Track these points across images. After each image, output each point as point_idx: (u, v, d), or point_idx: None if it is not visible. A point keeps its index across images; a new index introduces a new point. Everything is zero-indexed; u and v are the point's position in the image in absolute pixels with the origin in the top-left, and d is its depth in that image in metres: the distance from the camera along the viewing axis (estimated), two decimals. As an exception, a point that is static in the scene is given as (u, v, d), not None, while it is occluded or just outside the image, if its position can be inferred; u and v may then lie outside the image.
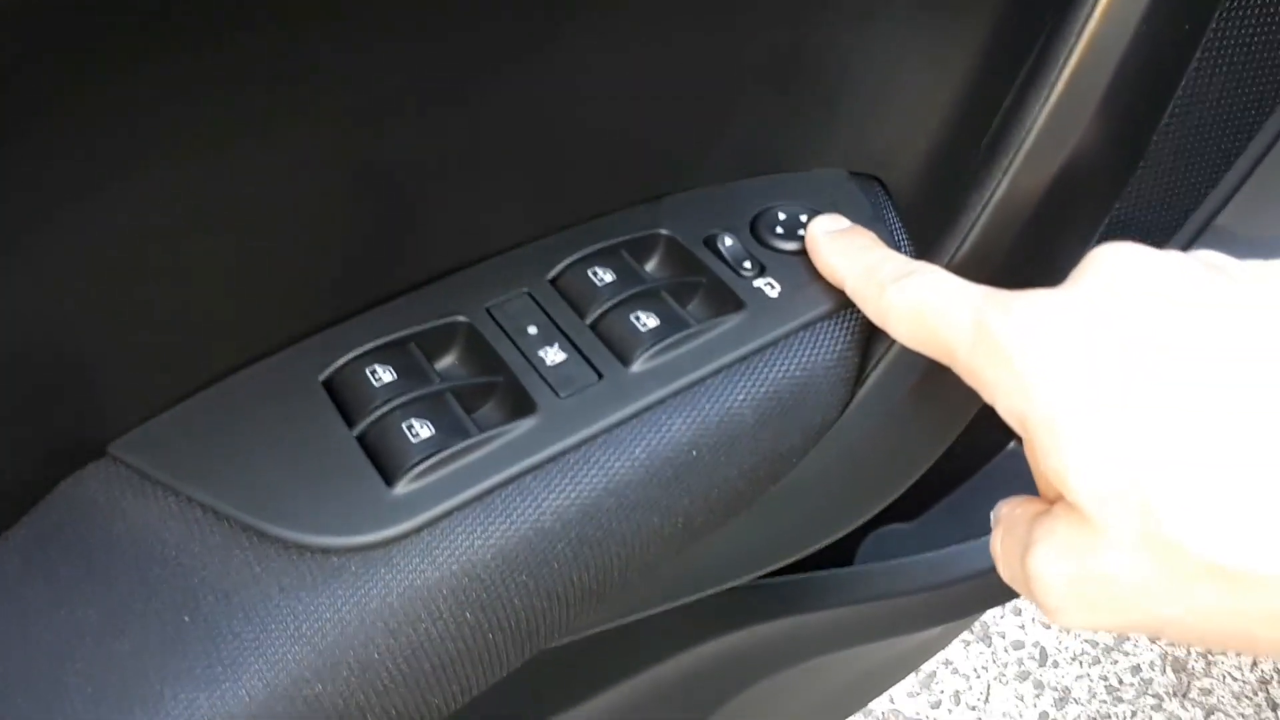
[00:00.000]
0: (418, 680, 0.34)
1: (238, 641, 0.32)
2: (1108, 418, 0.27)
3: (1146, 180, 0.58)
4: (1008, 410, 0.30)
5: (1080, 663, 1.47)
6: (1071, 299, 0.30)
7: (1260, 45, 0.53)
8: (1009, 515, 0.33)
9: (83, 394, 0.34)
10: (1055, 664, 1.47)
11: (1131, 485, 0.26)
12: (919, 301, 0.34)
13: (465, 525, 0.34)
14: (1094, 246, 0.31)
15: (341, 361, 0.37)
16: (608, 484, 0.35)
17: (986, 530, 0.72)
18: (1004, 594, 0.62)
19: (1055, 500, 0.31)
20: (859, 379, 0.41)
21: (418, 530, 0.33)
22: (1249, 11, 0.50)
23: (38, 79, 0.25)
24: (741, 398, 0.38)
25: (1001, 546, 0.33)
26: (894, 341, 0.40)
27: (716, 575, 0.45)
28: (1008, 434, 0.79)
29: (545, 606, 0.36)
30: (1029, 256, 0.38)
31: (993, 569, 0.60)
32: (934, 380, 0.42)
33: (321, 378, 0.37)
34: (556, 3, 0.34)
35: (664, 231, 0.43)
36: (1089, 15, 0.33)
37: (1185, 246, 0.67)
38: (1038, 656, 1.48)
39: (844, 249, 0.39)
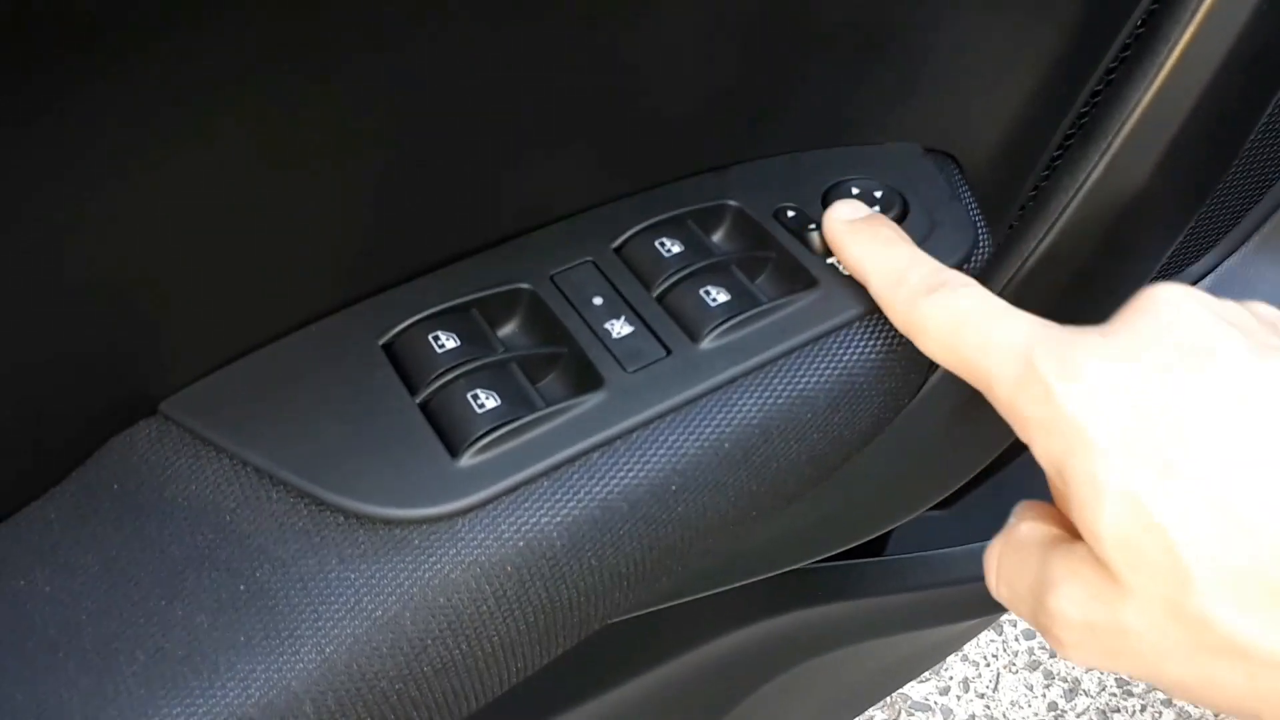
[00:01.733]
0: (477, 659, 0.33)
1: (295, 613, 0.30)
2: (1151, 484, 0.26)
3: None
4: (1045, 454, 0.29)
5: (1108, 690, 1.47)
6: (1128, 349, 0.28)
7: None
8: (1022, 536, 0.31)
9: (135, 347, 0.33)
10: (1086, 691, 1.46)
11: (1165, 553, 0.26)
12: (958, 323, 0.32)
13: (531, 501, 0.32)
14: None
15: (403, 325, 0.36)
16: (676, 464, 0.34)
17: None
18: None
19: (1072, 528, 0.30)
20: (932, 365, 0.39)
21: (483, 504, 0.32)
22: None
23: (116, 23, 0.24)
24: (814, 380, 0.37)
25: (1006, 565, 0.32)
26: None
27: (771, 560, 0.44)
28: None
29: (608, 586, 0.35)
30: (1119, 245, 0.36)
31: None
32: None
33: (382, 341, 0.35)
34: None
35: (732, 202, 0.41)
36: (1180, 35, 0.31)
37: (1242, 242, 0.66)
38: (1048, 646, 1.47)
39: (866, 243, 0.37)
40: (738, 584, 0.45)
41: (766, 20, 0.37)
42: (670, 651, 0.49)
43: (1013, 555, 0.31)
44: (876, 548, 0.62)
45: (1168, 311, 0.29)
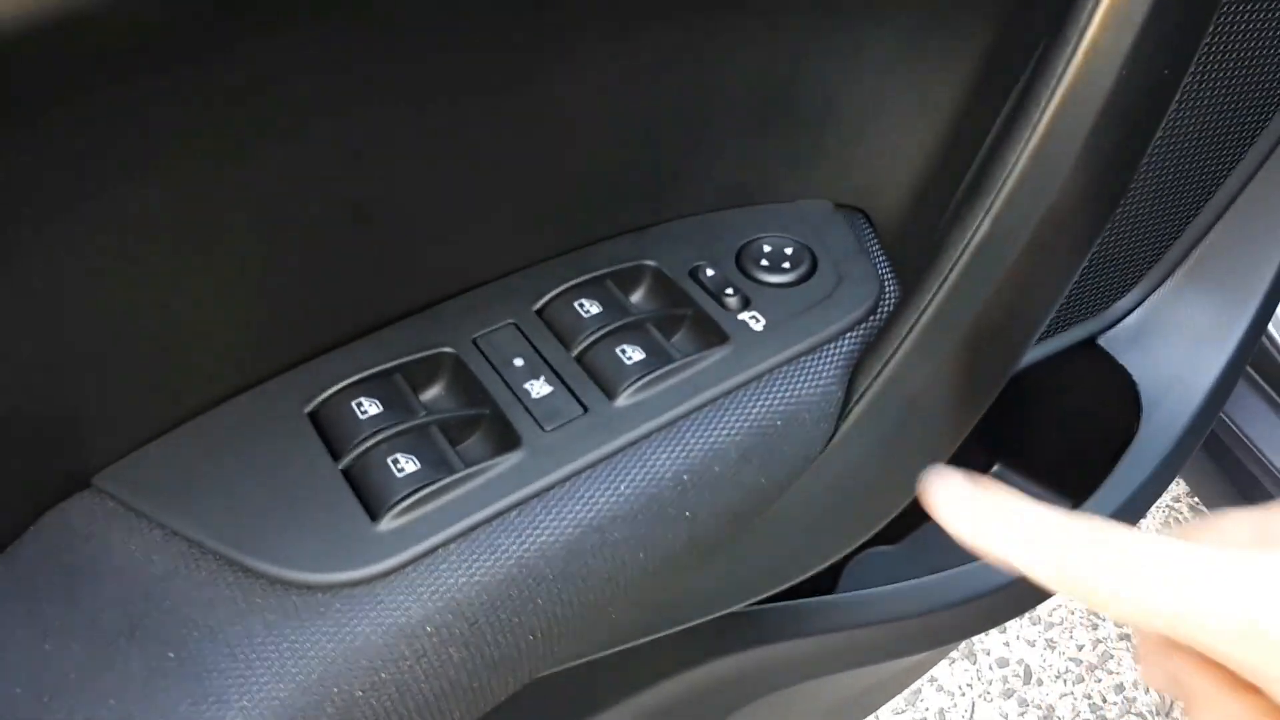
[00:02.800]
0: (403, 718, 0.34)
1: (223, 679, 0.31)
2: None
3: (1128, 212, 0.59)
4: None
5: (1064, 681, 1.48)
6: None
7: (1237, 85, 0.54)
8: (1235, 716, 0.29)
9: (67, 424, 0.34)
10: (1039, 682, 1.47)
11: None
12: (1144, 586, 0.28)
13: (450, 562, 0.34)
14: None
15: (327, 393, 0.37)
16: (592, 520, 0.36)
17: (966, 555, 0.73)
18: (989, 621, 0.62)
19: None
20: (843, 413, 0.41)
21: (402, 567, 0.33)
22: (1226, 54, 0.51)
23: (30, 111, 0.25)
24: (726, 433, 0.38)
25: (1170, 677, 0.30)
26: (878, 375, 0.40)
27: (704, 605, 0.45)
28: (988, 459, 0.80)
29: (530, 642, 0.36)
30: (1010, 295, 0.38)
31: (979, 597, 0.60)
32: (918, 414, 0.42)
33: (307, 409, 0.37)
34: (544, 40, 0.34)
35: (650, 263, 0.43)
36: (1070, 59, 0.33)
37: (1166, 276, 0.68)
38: (1022, 674, 1.48)
39: (999, 530, 0.31)
40: (677, 629, 0.46)
41: (676, 88, 0.39)
42: (612, 698, 0.50)
43: (1183, 680, 0.29)
44: (827, 584, 0.63)
45: None
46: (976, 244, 0.37)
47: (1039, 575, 0.30)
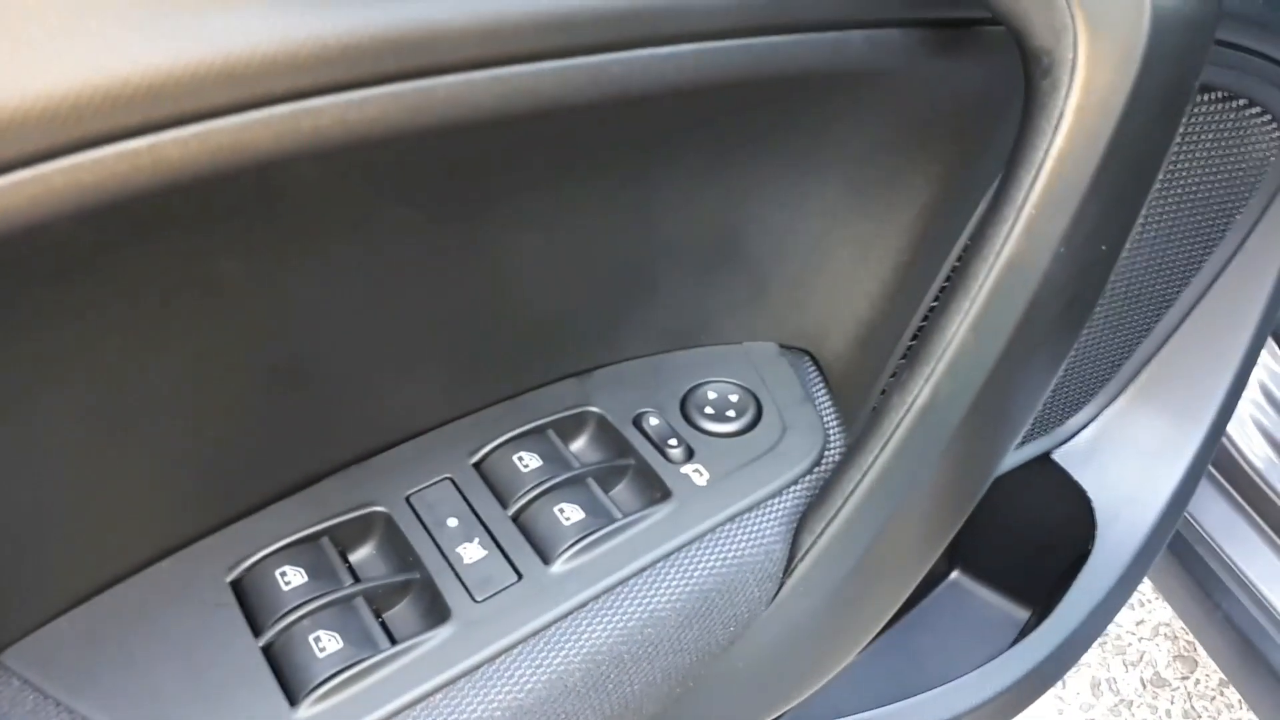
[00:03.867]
0: None
1: None
2: None
3: (1082, 333, 0.59)
4: None
5: None
6: None
7: (1182, 218, 0.54)
8: None
9: None
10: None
11: None
12: None
13: (370, 751, 0.32)
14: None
15: (251, 560, 0.36)
16: (521, 700, 0.34)
17: (928, 661, 0.71)
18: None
19: None
20: (788, 570, 0.40)
21: None
22: (1169, 193, 0.51)
23: None
24: (667, 598, 0.37)
25: None
26: (822, 533, 0.40)
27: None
28: (947, 566, 0.79)
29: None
30: (953, 457, 0.38)
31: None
32: (865, 567, 0.41)
33: (229, 579, 0.35)
34: (483, 195, 0.34)
35: (593, 409, 0.42)
36: (1008, 238, 0.33)
37: (1119, 393, 0.68)
38: None
39: None
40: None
41: (620, 235, 0.39)
42: None
43: None
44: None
45: None
46: (918, 408, 0.36)
47: None
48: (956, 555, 0.78)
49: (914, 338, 0.46)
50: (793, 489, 0.41)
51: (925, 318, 0.46)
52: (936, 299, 0.45)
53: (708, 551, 0.39)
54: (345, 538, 0.37)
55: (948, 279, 0.45)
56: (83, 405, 0.30)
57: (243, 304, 0.31)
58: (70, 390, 0.30)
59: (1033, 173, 0.32)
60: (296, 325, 0.33)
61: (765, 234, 0.42)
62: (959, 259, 0.42)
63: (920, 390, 0.36)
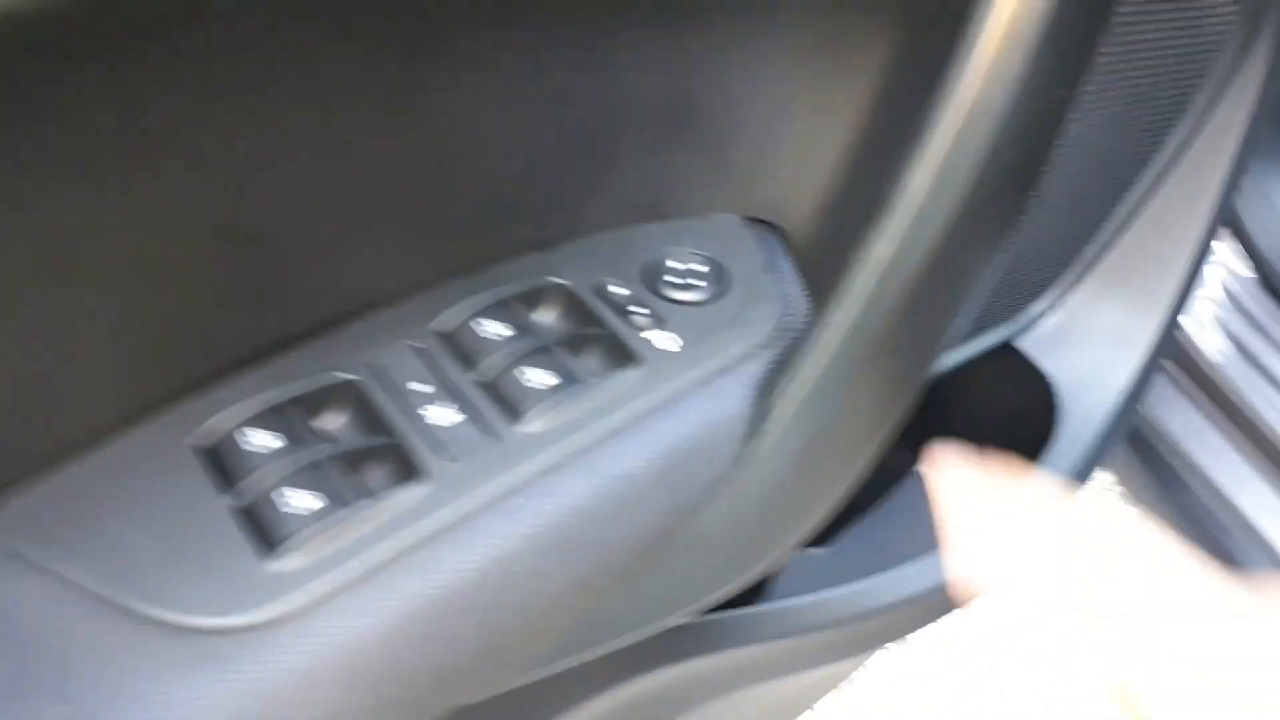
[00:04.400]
0: (302, 765, 0.33)
1: (111, 734, 0.30)
2: None
3: (1038, 218, 0.60)
4: None
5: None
6: None
7: (1139, 93, 0.55)
8: None
9: None
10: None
11: None
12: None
13: (350, 603, 0.33)
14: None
15: (217, 426, 0.36)
16: (500, 555, 0.35)
17: (898, 553, 0.73)
18: (918, 623, 0.63)
19: None
20: (755, 431, 0.41)
21: (299, 609, 0.32)
22: (1127, 63, 0.52)
23: None
24: (638, 457, 0.38)
25: None
26: (789, 393, 0.40)
27: (622, 627, 0.45)
28: (912, 458, 0.81)
29: (440, 680, 0.35)
30: (916, 312, 0.38)
31: (907, 601, 0.61)
32: (831, 429, 0.42)
33: (195, 443, 0.35)
34: (434, 47, 0.33)
35: (556, 281, 0.42)
36: (963, 81, 0.33)
37: (1079, 279, 0.69)
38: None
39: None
40: (597, 651, 0.45)
41: (578, 100, 0.39)
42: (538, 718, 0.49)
43: None
44: (754, 591, 0.63)
45: None
46: (881, 264, 0.37)
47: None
48: (921, 447, 0.79)
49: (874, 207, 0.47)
50: (761, 353, 0.41)
51: (883, 188, 0.46)
52: (893, 167, 0.45)
53: (678, 414, 0.39)
54: (312, 405, 0.37)
55: (906, 141, 0.45)
56: (25, 263, 0.30)
57: (184, 154, 0.31)
58: (29, 242, 0.29)
59: (991, 11, 0.33)
60: (243, 182, 0.33)
61: (724, 100, 0.42)
62: (917, 112, 0.42)
63: (880, 245, 0.36)
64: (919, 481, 0.82)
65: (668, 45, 0.38)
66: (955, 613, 0.67)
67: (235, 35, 0.28)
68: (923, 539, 0.77)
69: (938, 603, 0.63)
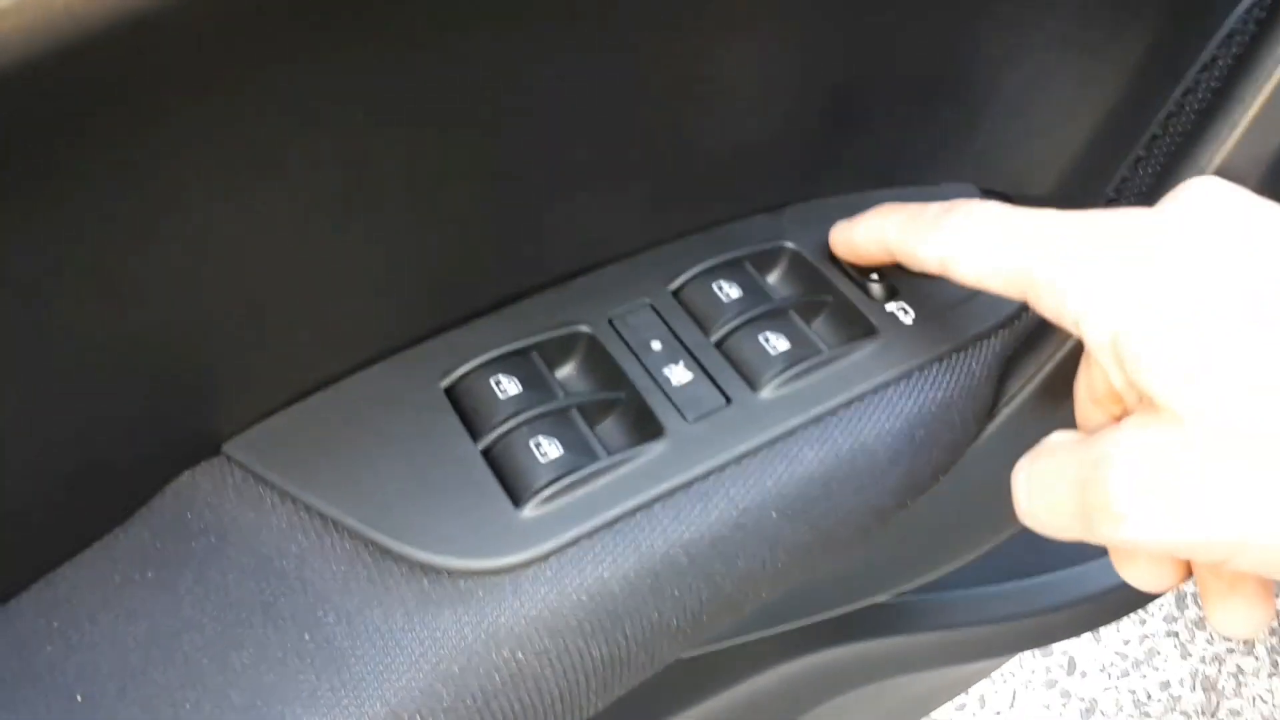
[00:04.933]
0: (538, 710, 0.33)
1: (360, 665, 0.30)
2: (1214, 341, 0.27)
3: None
4: (1096, 342, 0.29)
5: (1109, 674, 1.46)
6: (1176, 228, 0.29)
7: None
8: (1054, 441, 0.31)
9: (199, 387, 0.33)
10: (1083, 674, 1.46)
11: (1220, 373, 0.27)
12: (984, 237, 0.32)
13: (594, 554, 0.32)
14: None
15: (465, 369, 0.36)
16: (737, 517, 0.34)
17: (1059, 551, 0.70)
18: (1085, 625, 0.61)
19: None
20: (991, 412, 0.39)
21: (545, 557, 0.32)
22: None
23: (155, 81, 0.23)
24: (874, 431, 0.36)
25: (1039, 475, 0.31)
26: (1033, 377, 0.38)
27: (836, 600, 0.44)
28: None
29: (666, 637, 0.35)
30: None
31: (1073, 604, 0.59)
32: (1067, 418, 0.40)
33: (444, 384, 0.35)
34: (688, 8, 0.32)
35: (789, 244, 0.41)
36: (1274, 71, 0.31)
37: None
38: (1066, 665, 1.46)
39: (871, 219, 0.38)
40: (791, 625, 0.45)
41: (832, 61, 0.37)
42: (718, 685, 0.48)
43: (1047, 460, 0.31)
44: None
45: (1199, 203, 0.30)
46: None
47: (900, 236, 0.36)
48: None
49: (1116, 191, 0.44)
50: (1001, 332, 0.39)
51: (1132, 168, 0.43)
52: (1147, 149, 0.43)
53: (916, 388, 0.38)
54: (551, 354, 0.37)
55: (1162, 127, 0.42)
56: (306, 203, 0.30)
57: (473, 93, 0.30)
58: (298, 172, 0.29)
59: None
60: (512, 129, 0.32)
61: (983, 63, 0.40)
62: (1198, 96, 0.39)
63: None
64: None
65: (934, 6, 0.37)
66: (1124, 617, 0.65)
67: None
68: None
69: (1111, 605, 0.60)
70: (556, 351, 0.37)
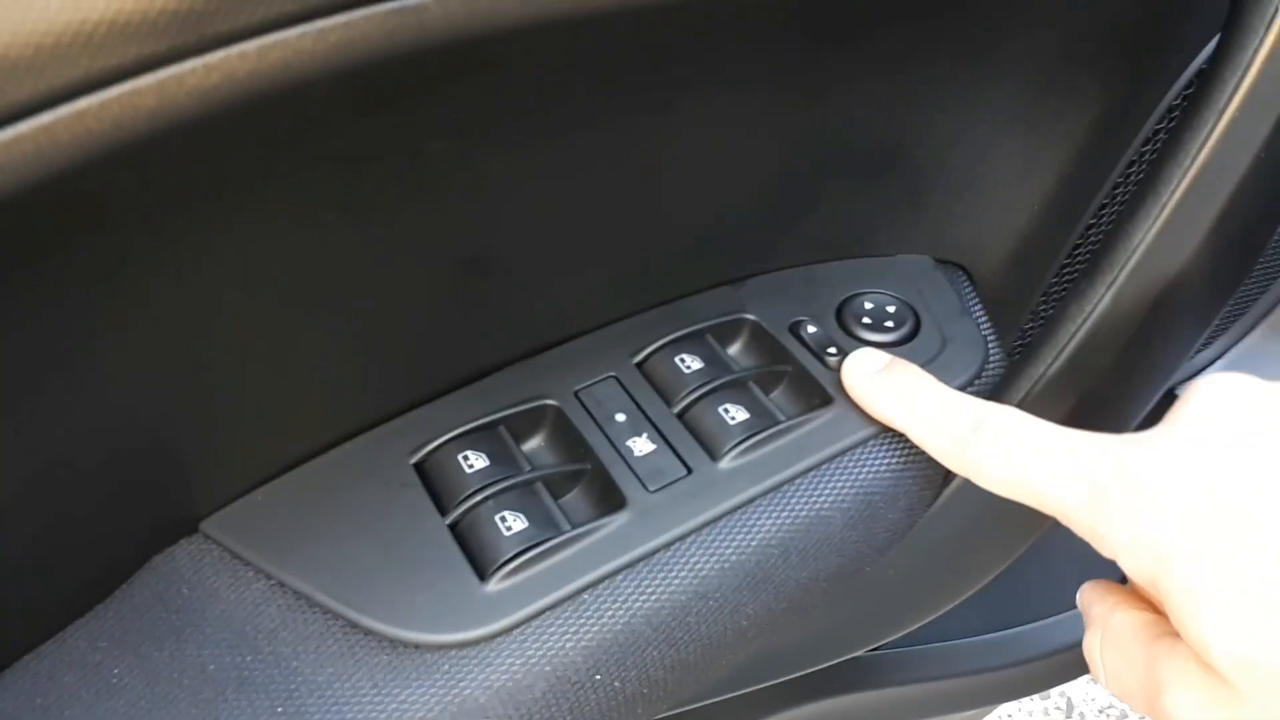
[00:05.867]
0: (504, 780, 0.33)
1: (331, 737, 0.31)
2: (1246, 589, 0.27)
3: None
4: (1134, 571, 0.29)
5: (1107, 715, 1.46)
6: (1191, 453, 0.29)
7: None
8: (1119, 630, 0.31)
9: (177, 468, 0.34)
10: (1082, 715, 1.45)
11: (1274, 655, 0.26)
12: (1014, 458, 0.32)
13: (557, 626, 0.33)
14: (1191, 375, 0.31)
15: (433, 444, 0.37)
16: (698, 586, 0.35)
17: (1044, 601, 0.71)
18: (1064, 677, 0.61)
19: (1163, 614, 0.30)
20: (946, 476, 0.40)
21: (509, 629, 0.33)
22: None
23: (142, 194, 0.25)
24: (831, 499, 0.38)
25: (1111, 662, 0.32)
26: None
27: (802, 660, 0.45)
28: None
29: (629, 704, 0.36)
30: (1126, 368, 0.37)
31: (1055, 654, 0.59)
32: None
33: (413, 460, 0.37)
34: (659, 96, 0.34)
35: (749, 316, 0.42)
36: (1205, 141, 0.33)
37: (1249, 330, 0.67)
38: (1064, 707, 1.46)
39: (893, 397, 0.38)
40: (760, 685, 0.45)
41: (788, 140, 0.39)
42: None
43: (1115, 652, 0.31)
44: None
45: (1220, 403, 0.30)
46: (1096, 317, 0.36)
47: (931, 448, 0.36)
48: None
49: (1070, 256, 0.46)
50: (953, 399, 0.41)
51: (1084, 235, 0.45)
52: (1096, 216, 0.45)
53: (872, 455, 0.39)
54: (519, 427, 0.38)
55: (1109, 195, 0.44)
56: (282, 292, 0.31)
57: (443, 186, 0.32)
58: (275, 266, 0.31)
59: (1238, 73, 0.32)
60: (487, 215, 0.34)
61: (930, 141, 0.41)
62: (1140, 168, 0.41)
63: (1102, 297, 0.36)
64: (1061, 528, 0.80)
65: (885, 86, 0.38)
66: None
67: (509, 81, 0.29)
68: (1064, 587, 0.75)
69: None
70: (524, 425, 0.39)
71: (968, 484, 0.41)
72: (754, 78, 0.35)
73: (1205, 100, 0.33)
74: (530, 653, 0.33)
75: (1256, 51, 0.31)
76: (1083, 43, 0.38)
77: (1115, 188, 0.44)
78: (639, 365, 0.41)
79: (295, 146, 0.27)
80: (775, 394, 0.41)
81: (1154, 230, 0.34)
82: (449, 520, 0.35)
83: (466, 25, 0.24)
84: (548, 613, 0.34)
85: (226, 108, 0.22)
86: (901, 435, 0.39)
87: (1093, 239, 0.45)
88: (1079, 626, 0.61)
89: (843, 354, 0.41)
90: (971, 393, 0.41)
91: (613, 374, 0.40)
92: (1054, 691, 1.46)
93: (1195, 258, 0.35)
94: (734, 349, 0.42)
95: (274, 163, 0.27)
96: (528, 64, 0.29)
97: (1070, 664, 0.61)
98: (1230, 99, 0.32)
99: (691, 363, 0.40)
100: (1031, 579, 0.72)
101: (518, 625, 0.33)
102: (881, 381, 0.38)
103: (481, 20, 0.24)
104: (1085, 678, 1.49)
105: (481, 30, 0.24)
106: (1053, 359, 0.37)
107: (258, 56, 0.21)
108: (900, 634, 0.45)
